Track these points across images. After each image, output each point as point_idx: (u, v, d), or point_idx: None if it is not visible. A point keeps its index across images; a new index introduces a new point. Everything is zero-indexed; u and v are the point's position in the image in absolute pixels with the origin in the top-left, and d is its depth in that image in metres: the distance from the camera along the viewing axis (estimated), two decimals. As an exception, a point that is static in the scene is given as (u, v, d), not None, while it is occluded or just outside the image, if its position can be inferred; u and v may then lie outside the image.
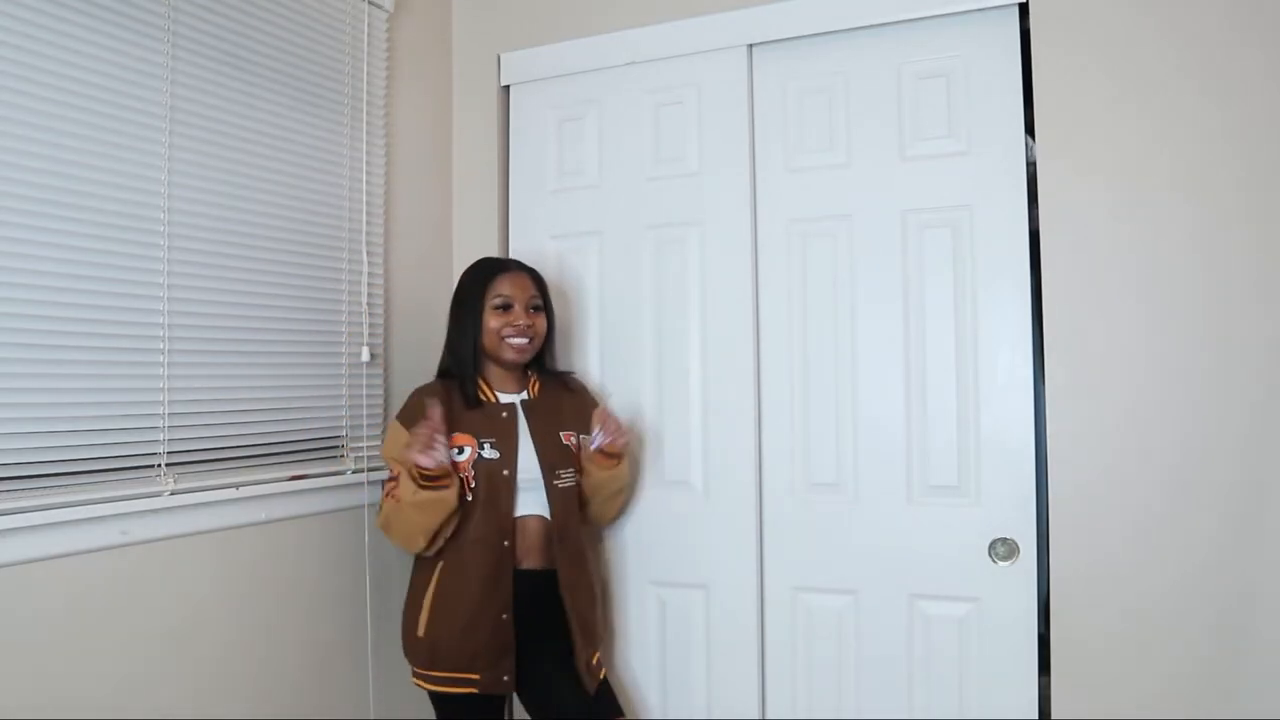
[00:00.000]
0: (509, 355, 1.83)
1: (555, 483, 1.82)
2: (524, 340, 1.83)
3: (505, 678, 1.75)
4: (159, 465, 1.60)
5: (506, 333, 1.81)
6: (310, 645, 1.87)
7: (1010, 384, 1.82)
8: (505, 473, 1.78)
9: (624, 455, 1.90)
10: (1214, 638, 1.63)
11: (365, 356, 2.01)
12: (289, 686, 1.83)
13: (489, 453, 1.78)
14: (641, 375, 2.13)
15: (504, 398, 1.86)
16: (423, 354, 2.21)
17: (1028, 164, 1.84)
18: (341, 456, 1.98)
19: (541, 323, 1.88)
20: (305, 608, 1.87)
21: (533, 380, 1.92)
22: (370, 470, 1.99)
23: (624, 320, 2.15)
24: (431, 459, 1.62)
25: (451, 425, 1.75)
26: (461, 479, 1.74)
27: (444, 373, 1.90)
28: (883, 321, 1.93)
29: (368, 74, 2.05)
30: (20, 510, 1.36)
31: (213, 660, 1.67)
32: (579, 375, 2.11)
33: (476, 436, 1.78)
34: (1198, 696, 1.64)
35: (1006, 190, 1.83)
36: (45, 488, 1.43)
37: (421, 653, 1.78)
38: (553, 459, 1.83)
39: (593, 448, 1.84)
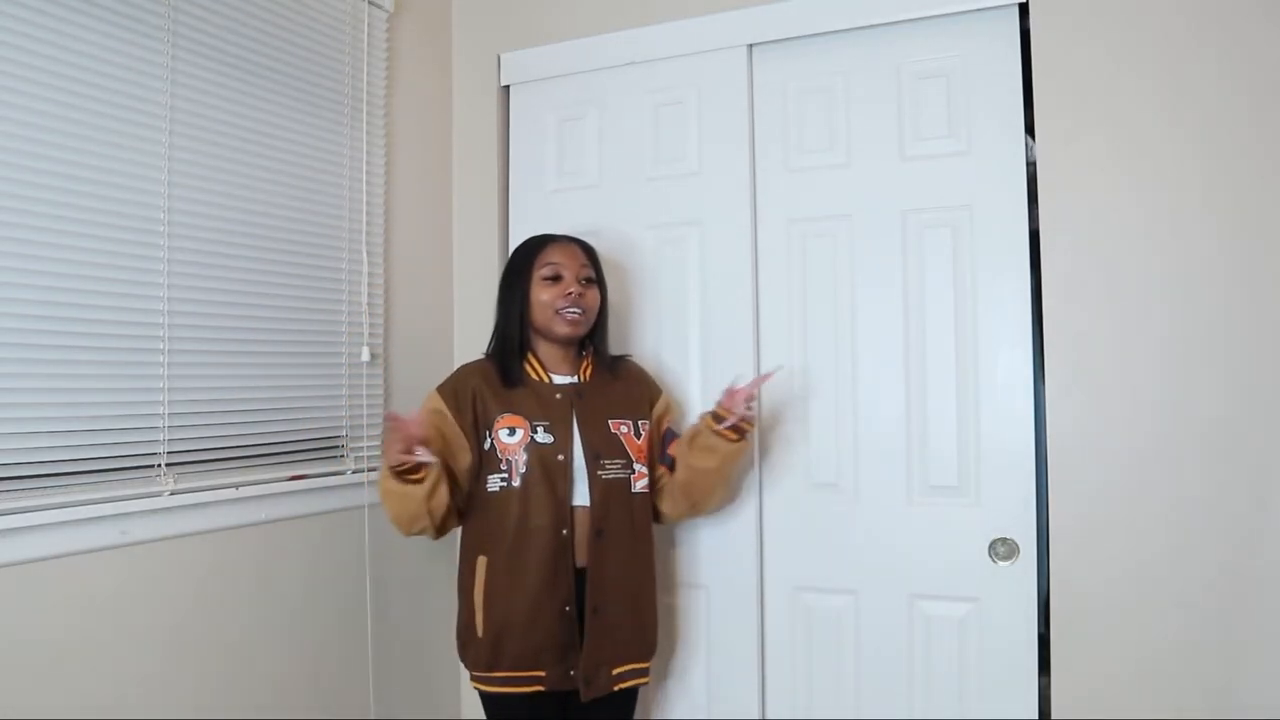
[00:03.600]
0: (562, 329, 1.71)
1: (600, 473, 1.69)
2: (577, 312, 1.71)
3: (572, 672, 1.65)
4: (159, 465, 1.60)
5: (559, 304, 1.70)
6: (310, 645, 1.87)
7: (1010, 384, 1.82)
8: (560, 458, 1.67)
9: (750, 429, 1.75)
10: (1214, 637, 1.63)
11: (365, 356, 2.01)
12: (289, 686, 1.83)
13: (542, 436, 1.67)
14: (641, 375, 2.13)
15: (557, 379, 1.75)
16: (423, 354, 2.22)
17: (1028, 164, 1.84)
18: (341, 456, 1.98)
19: (594, 296, 1.76)
20: (305, 608, 1.87)
21: (585, 362, 1.80)
22: (370, 470, 1.99)
23: (623, 320, 2.15)
24: (394, 454, 1.54)
25: (497, 405, 1.69)
26: (511, 462, 1.66)
27: (492, 354, 1.79)
28: (883, 321, 1.93)
29: (368, 74, 2.05)
30: (20, 510, 1.37)
31: (212, 660, 1.67)
32: (636, 358, 1.96)
33: (529, 419, 1.68)
34: (1198, 696, 1.64)
35: (1006, 190, 1.83)
36: (45, 488, 1.43)
37: (482, 653, 1.67)
38: (598, 447, 1.71)
39: (724, 425, 1.68)
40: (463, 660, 1.73)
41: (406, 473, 1.57)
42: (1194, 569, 1.65)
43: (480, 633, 1.67)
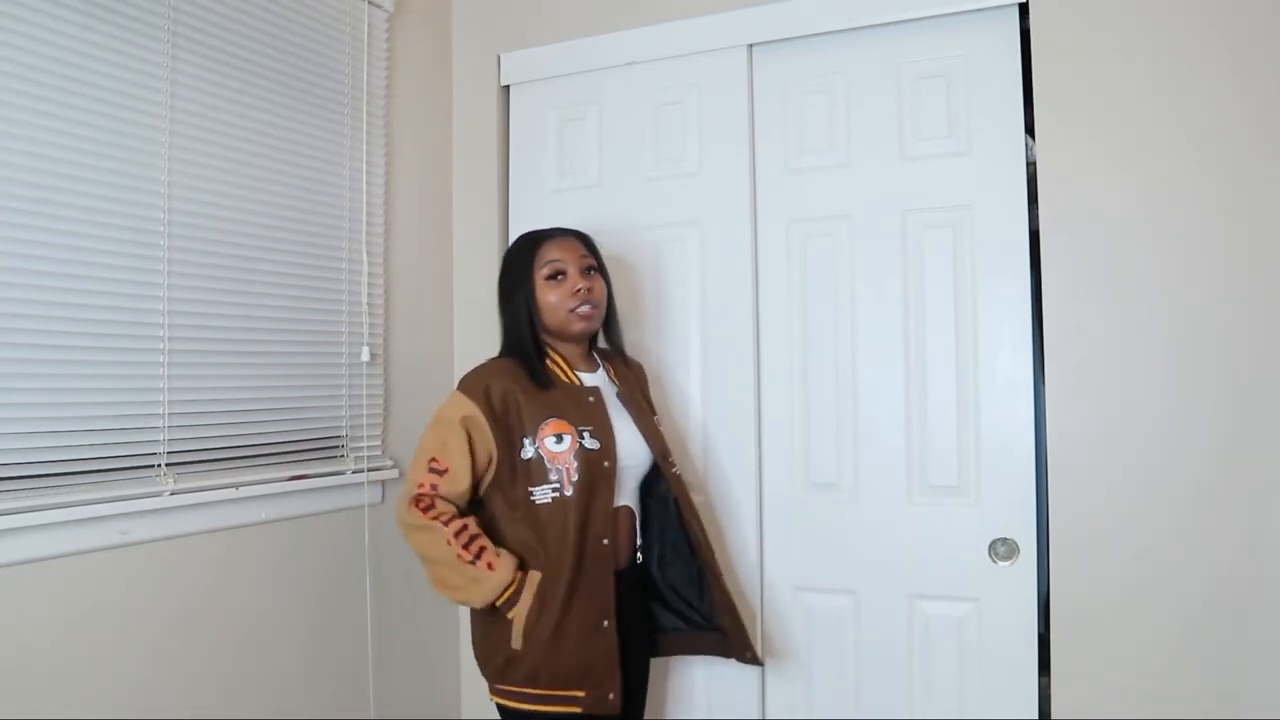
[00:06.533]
0: (578, 327, 1.64)
1: (674, 470, 1.67)
2: (589, 307, 1.63)
3: (611, 696, 1.54)
4: (159, 465, 1.60)
5: (570, 304, 1.62)
6: (310, 645, 1.87)
7: (1010, 384, 1.82)
8: (606, 464, 1.58)
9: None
10: (1214, 638, 1.63)
11: (365, 356, 2.01)
12: (289, 686, 1.83)
13: (590, 442, 1.58)
14: (641, 375, 2.13)
15: (587, 379, 1.67)
16: (423, 354, 2.22)
17: (1028, 164, 1.84)
18: (341, 456, 1.98)
19: (601, 285, 1.68)
20: (305, 608, 1.87)
21: (599, 360, 1.75)
22: (370, 470, 1.99)
23: (623, 320, 2.15)
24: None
25: (535, 409, 1.58)
26: (562, 471, 1.56)
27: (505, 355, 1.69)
28: (883, 321, 1.93)
29: (368, 74, 2.05)
30: (20, 510, 1.37)
31: (212, 660, 1.67)
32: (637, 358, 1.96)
33: (574, 424, 1.58)
34: (1198, 696, 1.64)
35: (1006, 190, 1.83)
36: (45, 488, 1.43)
37: (520, 669, 1.54)
38: (661, 444, 1.68)
39: None
40: (491, 676, 1.60)
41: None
42: (1195, 569, 1.65)
43: (521, 648, 1.54)
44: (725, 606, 1.72)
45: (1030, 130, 1.82)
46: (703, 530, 1.74)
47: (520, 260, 1.67)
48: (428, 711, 2.17)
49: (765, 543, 2.02)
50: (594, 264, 1.69)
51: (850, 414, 1.95)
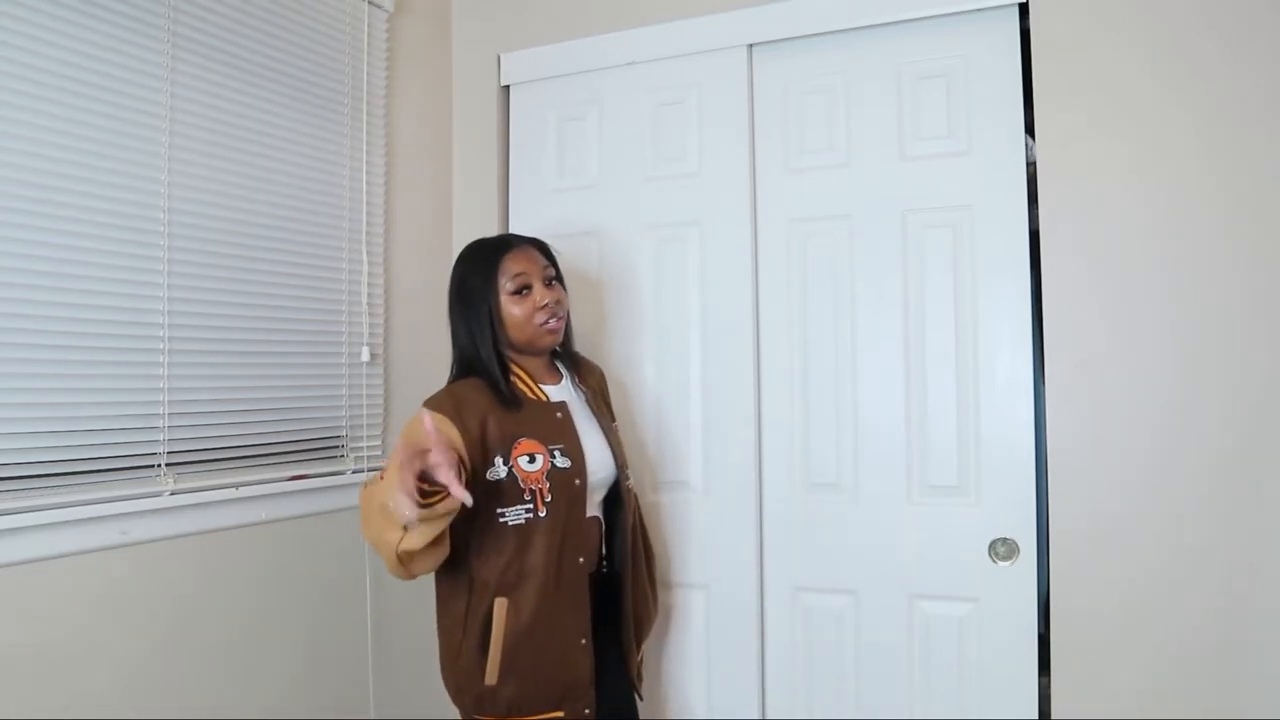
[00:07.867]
0: (546, 341, 1.60)
1: (627, 483, 1.66)
2: (556, 320, 1.60)
3: (587, 711, 1.54)
4: (159, 465, 1.60)
5: (539, 318, 1.57)
6: (310, 645, 1.87)
7: (1010, 384, 1.82)
8: (577, 482, 1.55)
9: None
10: (1213, 637, 1.63)
11: (365, 356, 2.01)
12: (289, 686, 1.83)
13: (561, 461, 1.54)
14: (642, 375, 2.13)
15: (552, 394, 1.63)
16: (423, 354, 2.22)
17: (1028, 164, 1.84)
18: (341, 456, 1.98)
19: (564, 296, 1.64)
20: (305, 608, 1.87)
21: (561, 369, 1.71)
22: (370, 470, 1.99)
23: (624, 320, 2.15)
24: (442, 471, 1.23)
25: (505, 429, 1.52)
26: (535, 491, 1.51)
27: (463, 374, 1.60)
28: (883, 321, 1.93)
29: (368, 74, 2.05)
30: (20, 510, 1.37)
31: (212, 660, 1.67)
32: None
33: (544, 443, 1.54)
34: (1197, 696, 1.64)
35: (1006, 190, 1.83)
36: (45, 488, 1.43)
37: (499, 701, 1.49)
38: (622, 456, 1.66)
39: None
40: (469, 706, 1.53)
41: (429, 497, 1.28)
42: (1196, 569, 1.65)
43: (496, 680, 1.48)
44: (637, 636, 1.71)
45: (1030, 130, 1.82)
46: (649, 546, 1.78)
47: (481, 272, 1.59)
48: (428, 711, 2.16)
49: (765, 543, 2.02)
50: (554, 273, 1.65)
51: (850, 414, 1.95)
